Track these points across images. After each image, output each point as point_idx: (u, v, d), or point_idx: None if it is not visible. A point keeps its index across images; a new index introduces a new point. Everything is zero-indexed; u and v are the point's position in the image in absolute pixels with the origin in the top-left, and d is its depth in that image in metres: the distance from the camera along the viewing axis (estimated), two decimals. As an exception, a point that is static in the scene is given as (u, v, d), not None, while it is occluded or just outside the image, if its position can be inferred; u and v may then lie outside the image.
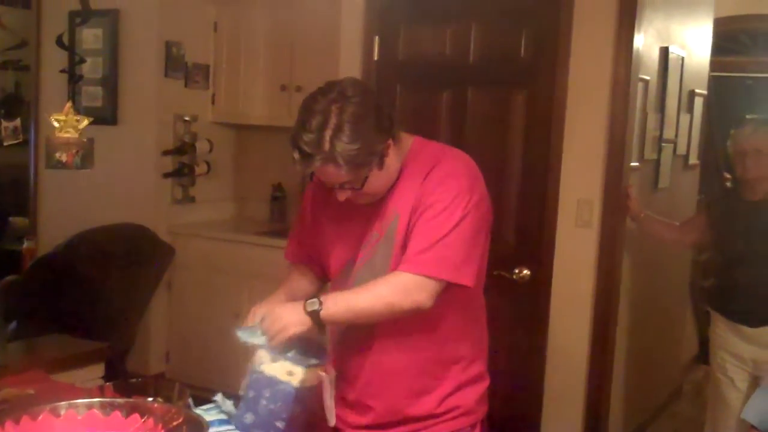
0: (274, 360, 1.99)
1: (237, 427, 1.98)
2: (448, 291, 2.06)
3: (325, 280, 2.36)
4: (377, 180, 2.03)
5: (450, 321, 2.14)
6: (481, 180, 2.13)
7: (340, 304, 2.04)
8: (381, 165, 2.01)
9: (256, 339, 2.01)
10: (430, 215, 2.03)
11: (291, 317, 2.00)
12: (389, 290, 2.03)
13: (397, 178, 2.10)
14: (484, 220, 2.11)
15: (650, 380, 4.94)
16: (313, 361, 2.02)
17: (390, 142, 2.01)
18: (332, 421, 2.07)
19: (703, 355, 6.12)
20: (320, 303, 2.00)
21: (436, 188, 2.04)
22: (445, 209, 2.02)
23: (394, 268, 2.07)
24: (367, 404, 2.23)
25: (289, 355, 2.02)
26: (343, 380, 2.20)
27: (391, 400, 2.21)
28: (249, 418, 1.98)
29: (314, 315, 2.00)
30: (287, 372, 1.97)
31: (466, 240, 2.04)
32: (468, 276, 2.06)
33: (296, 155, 1.96)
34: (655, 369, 5.04)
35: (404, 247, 2.07)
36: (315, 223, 2.28)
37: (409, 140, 2.14)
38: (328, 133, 1.91)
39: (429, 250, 2.01)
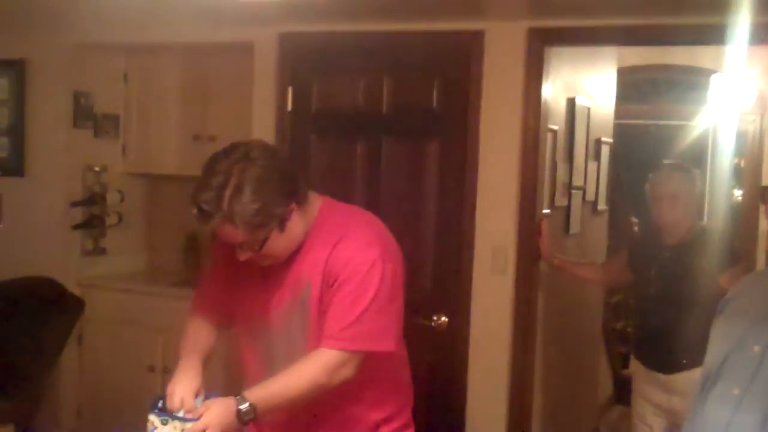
0: (164, 423, 1.95)
1: None
2: (369, 355, 2.10)
3: (223, 328, 2.34)
4: (277, 242, 2.03)
5: (373, 380, 2.16)
6: (391, 243, 2.16)
7: (272, 402, 2.03)
8: (282, 228, 2.01)
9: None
10: (347, 290, 2.05)
11: (223, 428, 1.95)
12: (319, 372, 2.04)
13: (305, 243, 2.11)
14: (398, 285, 2.14)
15: (567, 422, 5.00)
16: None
17: (293, 206, 2.02)
18: None
19: (618, 395, 6.25)
20: (255, 410, 1.98)
21: (349, 261, 2.05)
22: (361, 282, 2.04)
23: (313, 337, 2.09)
24: None
25: (180, 414, 1.99)
26: (266, 425, 2.21)
27: None
28: None
29: (249, 420, 1.99)
30: (181, 431, 1.94)
31: (383, 309, 2.08)
32: (388, 342, 2.11)
33: (195, 212, 1.97)
34: (572, 411, 5.11)
35: (320, 316, 2.09)
36: (225, 275, 2.26)
37: (317, 203, 2.15)
38: (227, 193, 1.92)
39: (351, 327, 2.03)
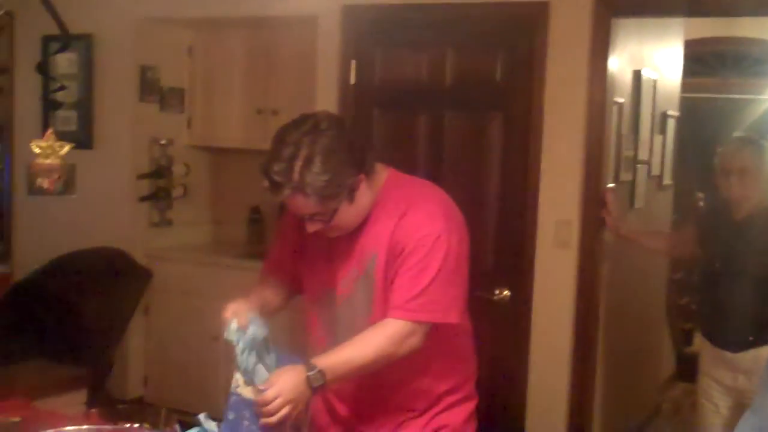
0: (247, 383, 1.99)
1: None
2: (435, 327, 2.10)
3: (294, 294, 2.36)
4: (347, 214, 2.05)
5: (440, 352, 2.17)
6: (456, 215, 2.16)
7: (340, 370, 2.04)
8: (351, 199, 2.02)
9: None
10: (413, 261, 2.05)
11: (295, 395, 1.97)
12: (386, 341, 2.06)
13: (371, 214, 2.12)
14: (463, 256, 2.14)
15: (629, 399, 4.96)
16: None
17: (362, 176, 2.03)
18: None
19: (681, 372, 6.18)
20: (324, 376, 2.00)
21: (415, 233, 2.06)
22: (427, 254, 2.05)
23: (377, 308, 2.11)
24: (359, 428, 2.27)
25: (256, 376, 2.02)
26: (334, 396, 2.24)
27: (382, 422, 2.24)
28: None
29: (319, 388, 2.01)
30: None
31: (450, 281, 2.08)
32: (455, 314, 2.12)
33: (266, 184, 1.99)
34: (634, 388, 5.07)
35: (385, 288, 2.10)
36: (293, 244, 2.28)
37: (383, 174, 2.15)
38: (298, 164, 1.93)
39: (418, 297, 2.04)
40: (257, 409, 1.96)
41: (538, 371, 3.91)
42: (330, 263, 2.19)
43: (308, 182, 1.94)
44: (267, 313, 2.21)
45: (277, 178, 1.95)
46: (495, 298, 3.85)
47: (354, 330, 2.12)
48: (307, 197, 1.96)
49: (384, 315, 2.10)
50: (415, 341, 2.07)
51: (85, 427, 1.84)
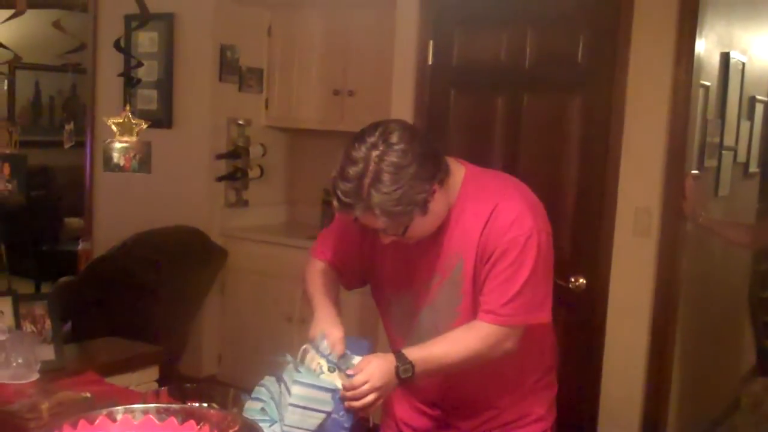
0: (331, 370, 1.96)
1: None
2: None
3: (350, 287, 2.31)
4: (421, 225, 1.98)
5: (526, 346, 2.10)
6: (541, 209, 2.09)
7: (429, 365, 2.01)
8: (425, 211, 1.95)
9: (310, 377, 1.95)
10: (505, 264, 1.99)
11: (383, 383, 1.94)
12: (478, 343, 2.03)
13: (451, 215, 2.05)
14: (551, 251, 2.08)
15: (707, 392, 4.84)
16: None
17: (435, 187, 1.95)
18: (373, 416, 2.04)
19: (762, 367, 6.01)
20: (413, 369, 1.97)
21: (504, 234, 1.99)
22: (519, 255, 1.99)
23: (464, 314, 2.07)
24: (447, 423, 2.26)
25: (341, 361, 2.00)
26: (421, 395, 2.24)
27: (474, 419, 2.24)
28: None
29: (407, 379, 1.98)
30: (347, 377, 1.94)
31: (541, 279, 2.04)
32: (547, 312, 2.08)
33: (335, 203, 1.94)
34: (713, 381, 4.94)
35: (474, 293, 2.05)
36: (363, 242, 2.20)
37: (459, 173, 2.08)
38: (366, 182, 1.86)
39: (512, 302, 1.99)
40: (342, 393, 1.92)
41: (613, 361, 3.82)
42: (407, 266, 2.14)
43: (376, 202, 1.87)
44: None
45: (345, 198, 1.90)
46: (570, 286, 3.76)
47: (435, 333, 2.08)
48: (377, 217, 1.91)
49: (470, 319, 2.06)
50: (509, 345, 2.04)
51: (153, 405, 1.83)
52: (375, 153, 1.87)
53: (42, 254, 7.29)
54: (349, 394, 1.92)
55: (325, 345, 2.01)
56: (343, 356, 1.99)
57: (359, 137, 1.92)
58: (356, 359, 1.99)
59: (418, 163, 1.90)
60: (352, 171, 1.88)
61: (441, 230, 2.06)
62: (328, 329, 2.03)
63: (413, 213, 1.92)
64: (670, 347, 3.83)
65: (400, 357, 1.97)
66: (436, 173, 1.95)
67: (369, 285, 2.29)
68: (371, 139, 1.89)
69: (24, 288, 5.96)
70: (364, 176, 1.87)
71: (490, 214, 2.02)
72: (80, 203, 5.92)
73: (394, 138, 1.90)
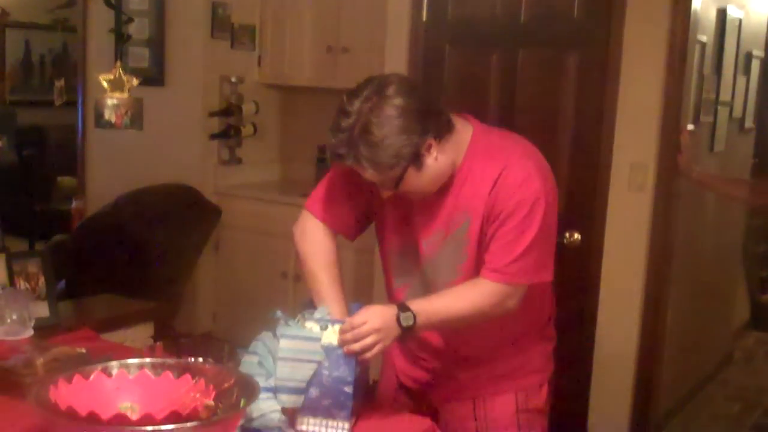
0: (323, 328, 1.96)
1: (305, 405, 1.93)
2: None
3: (346, 238, 2.25)
4: (418, 180, 1.98)
5: (530, 301, 2.11)
6: (547, 168, 2.09)
7: (432, 317, 2.01)
8: (419, 166, 1.95)
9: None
10: (511, 225, 1.99)
11: (382, 325, 1.94)
12: (481, 299, 2.03)
13: (458, 173, 2.04)
14: (556, 210, 2.08)
15: (701, 346, 4.87)
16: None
17: (430, 142, 1.94)
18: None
19: (755, 321, 6.05)
20: (414, 318, 1.97)
21: (513, 195, 1.99)
22: (526, 217, 1.99)
23: (467, 272, 2.07)
24: (445, 375, 2.28)
25: (337, 319, 2.00)
26: (421, 346, 2.24)
27: (473, 370, 2.25)
28: (314, 392, 1.93)
29: (409, 330, 1.98)
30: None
31: (546, 239, 2.05)
32: (549, 271, 2.09)
33: (329, 154, 1.96)
34: (706, 335, 4.97)
35: (478, 251, 2.05)
36: (361, 192, 2.17)
37: (467, 132, 2.07)
38: (354, 135, 1.88)
39: (517, 261, 2.00)
40: (342, 337, 1.92)
41: (607, 316, 3.84)
42: (413, 219, 2.13)
43: (364, 153, 1.89)
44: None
45: (336, 150, 1.92)
46: (566, 242, 3.76)
47: (436, 289, 2.09)
48: (365, 169, 1.93)
49: (472, 277, 2.06)
50: (512, 303, 2.05)
51: (148, 360, 1.84)
52: (367, 105, 1.88)
53: (35, 213, 7.26)
54: (348, 335, 1.92)
55: (317, 315, 2.01)
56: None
57: (354, 91, 1.93)
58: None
59: (410, 116, 1.90)
60: (344, 123, 1.90)
61: (448, 187, 2.06)
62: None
63: (402, 166, 1.92)
64: (664, 302, 3.85)
65: (401, 306, 1.98)
66: (430, 128, 1.94)
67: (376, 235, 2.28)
68: (366, 93, 1.90)
69: (17, 247, 5.94)
70: (354, 128, 1.88)
71: (499, 175, 2.01)
72: (73, 162, 5.89)
73: (389, 90, 1.90)
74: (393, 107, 1.89)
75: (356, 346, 1.92)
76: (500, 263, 2.01)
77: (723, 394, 5.00)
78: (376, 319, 1.94)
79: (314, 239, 2.21)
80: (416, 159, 1.93)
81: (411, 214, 2.13)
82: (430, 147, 1.95)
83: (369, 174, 1.94)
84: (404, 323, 1.96)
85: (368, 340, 1.92)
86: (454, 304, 2.04)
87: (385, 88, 1.90)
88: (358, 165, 1.93)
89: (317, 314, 2.02)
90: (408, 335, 2.00)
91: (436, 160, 1.97)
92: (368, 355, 1.94)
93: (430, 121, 1.95)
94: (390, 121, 1.88)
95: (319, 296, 2.12)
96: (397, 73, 2.06)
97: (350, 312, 2.06)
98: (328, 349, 1.93)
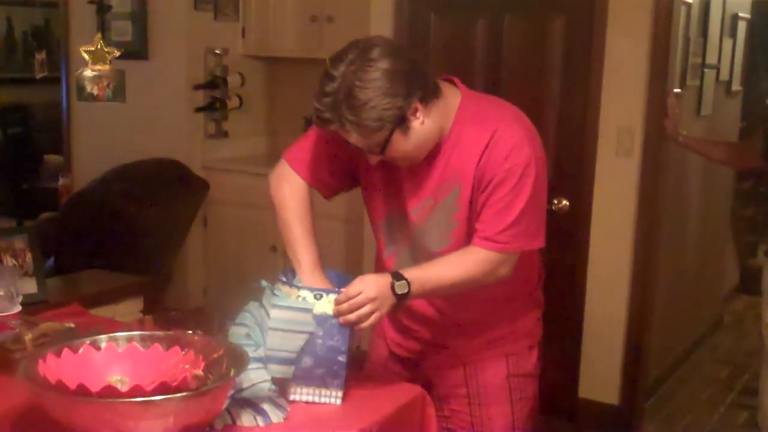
0: (317, 297, 1.95)
1: (297, 374, 1.93)
2: None
3: (328, 199, 2.25)
4: (404, 145, 1.96)
5: (519, 268, 2.10)
6: (536, 135, 2.07)
7: (426, 284, 2.00)
8: (405, 130, 1.93)
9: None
10: (503, 192, 1.98)
11: (377, 294, 1.93)
12: (474, 267, 2.03)
13: (447, 140, 2.03)
14: (545, 177, 2.07)
15: (690, 311, 4.89)
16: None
17: (416, 106, 1.92)
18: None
19: (744, 285, 6.07)
20: (409, 286, 1.96)
21: (503, 162, 1.98)
22: (516, 184, 1.97)
23: (457, 239, 2.07)
24: (435, 342, 2.28)
25: (331, 289, 1.99)
26: (411, 320, 2.24)
27: (462, 337, 2.26)
28: (308, 361, 1.92)
29: (403, 297, 1.97)
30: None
31: (537, 206, 2.04)
32: (541, 238, 2.08)
33: (314, 119, 1.94)
34: (696, 300, 4.99)
35: (469, 219, 2.04)
36: (351, 158, 2.16)
37: (455, 98, 2.05)
38: (338, 98, 1.86)
39: (509, 229, 1.99)
40: (337, 308, 1.92)
41: (596, 282, 3.85)
42: (402, 187, 2.11)
43: (347, 116, 1.87)
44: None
45: (320, 114, 1.90)
46: (554, 208, 3.77)
47: (425, 257, 2.08)
48: (349, 133, 1.91)
49: (462, 245, 2.06)
50: (504, 270, 2.04)
51: (137, 333, 1.83)
52: (351, 69, 1.86)
53: (23, 192, 7.22)
54: (344, 306, 1.91)
55: (297, 279, 2.01)
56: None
57: (338, 54, 1.91)
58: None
59: (395, 78, 1.88)
60: (329, 87, 1.88)
61: (436, 154, 2.04)
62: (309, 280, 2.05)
63: (388, 129, 1.91)
64: (653, 267, 3.86)
65: (395, 274, 1.97)
66: (416, 91, 1.92)
67: (364, 202, 2.27)
68: (350, 56, 1.88)
69: (5, 227, 5.92)
70: (338, 92, 1.86)
71: (489, 141, 1.99)
72: (59, 140, 5.85)
73: (374, 54, 1.88)
74: (377, 70, 1.86)
75: (352, 316, 1.91)
76: (492, 231, 2.00)
77: (713, 358, 5.03)
78: (371, 288, 1.93)
79: (290, 189, 2.19)
80: (402, 122, 1.91)
81: (399, 182, 2.11)
82: (416, 111, 1.93)
83: (354, 138, 1.92)
84: (399, 291, 1.95)
85: (364, 310, 1.92)
86: (446, 272, 2.03)
87: (369, 50, 1.88)
88: (342, 129, 1.91)
89: (294, 280, 2.02)
90: (402, 303, 2.00)
91: (423, 125, 1.96)
92: (365, 324, 1.94)
93: (415, 84, 1.92)
94: (374, 83, 1.86)
95: (290, 246, 2.12)
96: (382, 36, 2.04)
97: (331, 281, 2.05)
98: (321, 319, 1.92)
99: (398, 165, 2.06)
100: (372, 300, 1.92)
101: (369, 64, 1.86)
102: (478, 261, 2.02)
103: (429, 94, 1.97)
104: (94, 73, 2.41)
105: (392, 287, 1.95)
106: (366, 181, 2.19)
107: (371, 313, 1.93)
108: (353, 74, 1.86)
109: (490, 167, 1.99)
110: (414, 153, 2.01)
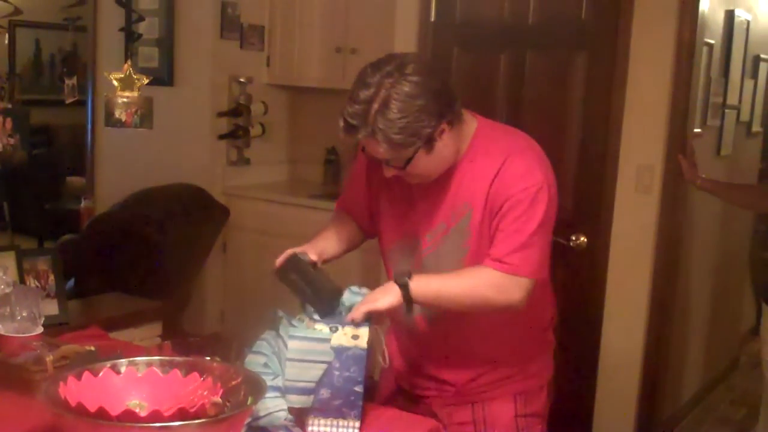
0: (333, 330, 1.96)
1: (315, 406, 1.94)
2: None
3: (364, 235, 2.35)
4: (425, 163, 1.98)
5: (530, 305, 2.10)
6: (549, 166, 2.09)
7: (432, 285, 2.02)
8: (430, 149, 1.95)
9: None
10: (515, 215, 2.00)
11: (386, 289, 1.98)
12: (481, 283, 2.02)
13: (460, 165, 2.06)
14: (555, 207, 2.08)
15: (707, 351, 4.87)
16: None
17: (443, 127, 1.95)
18: (387, 362, 2.04)
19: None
20: (410, 277, 1.98)
21: (515, 185, 2.00)
22: (529, 206, 1.99)
23: (468, 264, 2.07)
24: (444, 379, 2.28)
25: (347, 322, 2.00)
26: (420, 347, 2.28)
27: (471, 371, 2.26)
28: (325, 393, 1.93)
29: (404, 289, 1.98)
30: (351, 336, 1.94)
31: (546, 233, 2.05)
32: (546, 268, 2.10)
33: (341, 124, 1.94)
34: (713, 340, 4.96)
35: (480, 243, 2.06)
36: (370, 188, 2.23)
37: (472, 123, 2.09)
38: (373, 107, 1.88)
39: (519, 251, 2.00)
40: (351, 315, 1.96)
41: (613, 320, 3.84)
42: (413, 212, 2.14)
43: (380, 128, 1.88)
44: (327, 259, 2.20)
45: (351, 120, 1.91)
46: (572, 244, 3.77)
47: None
48: (378, 143, 1.92)
49: None
50: (517, 297, 2.02)
51: (157, 358, 1.85)
52: (388, 81, 1.88)
53: (45, 213, 7.29)
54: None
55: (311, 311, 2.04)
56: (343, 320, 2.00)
57: (375, 64, 1.93)
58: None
59: (429, 97, 1.90)
60: (363, 94, 1.89)
61: (449, 178, 2.07)
62: (306, 249, 2.14)
63: (416, 146, 1.93)
64: (670, 306, 3.85)
65: (398, 276, 2.01)
66: (446, 112, 1.95)
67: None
68: (387, 68, 1.90)
69: (27, 246, 5.97)
70: (373, 101, 1.88)
71: (501, 166, 2.02)
72: (82, 162, 5.91)
73: (409, 69, 1.90)
74: (414, 85, 1.89)
75: (363, 308, 1.95)
76: (502, 252, 2.01)
77: (729, 399, 5.00)
78: (379, 295, 1.99)
79: (337, 217, 2.35)
80: (429, 141, 1.94)
81: (411, 209, 2.14)
82: (443, 132, 1.96)
83: (382, 149, 1.93)
84: (399, 280, 1.98)
85: (366, 308, 1.96)
86: (452, 279, 2.04)
87: (406, 67, 1.90)
88: (371, 138, 1.91)
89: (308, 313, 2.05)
90: (407, 296, 1.99)
91: (446, 146, 1.99)
92: (376, 306, 1.97)
93: (446, 106, 1.96)
94: (411, 99, 1.88)
95: (315, 237, 2.23)
96: (417, 53, 2.08)
97: (348, 293, 2.08)
98: (338, 350, 1.93)
99: (410, 188, 2.09)
100: (373, 300, 1.98)
101: (406, 79, 1.89)
102: (484, 277, 2.02)
103: (456, 118, 2.00)
104: (123, 99, 2.45)
105: (395, 279, 1.99)
106: (379, 208, 2.23)
107: (379, 298, 1.97)
108: (391, 86, 1.88)
109: (503, 190, 2.01)
110: (433, 172, 2.04)
